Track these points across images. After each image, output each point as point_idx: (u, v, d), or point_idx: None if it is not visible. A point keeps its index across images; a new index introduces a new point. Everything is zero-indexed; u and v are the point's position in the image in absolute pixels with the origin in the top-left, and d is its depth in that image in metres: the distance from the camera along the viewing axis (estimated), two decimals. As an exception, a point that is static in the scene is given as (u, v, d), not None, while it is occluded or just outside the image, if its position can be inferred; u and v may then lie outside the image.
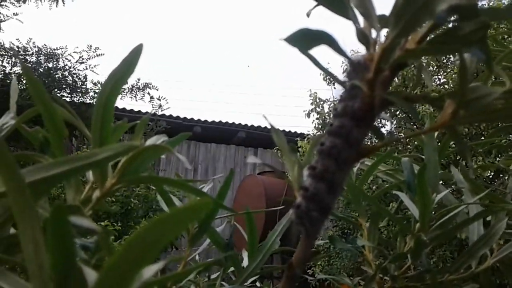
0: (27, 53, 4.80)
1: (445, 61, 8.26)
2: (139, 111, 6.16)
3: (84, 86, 4.98)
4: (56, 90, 4.93)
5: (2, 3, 4.63)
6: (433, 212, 0.61)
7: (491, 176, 6.64)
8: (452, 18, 0.31)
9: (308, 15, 0.42)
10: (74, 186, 0.37)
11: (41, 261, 0.23)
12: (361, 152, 0.32)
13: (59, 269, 0.24)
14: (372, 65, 0.30)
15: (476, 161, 7.39)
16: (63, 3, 5.05)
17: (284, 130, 7.67)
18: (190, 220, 0.18)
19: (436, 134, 0.71)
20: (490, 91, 0.30)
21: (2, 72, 4.84)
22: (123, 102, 5.38)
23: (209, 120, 7.54)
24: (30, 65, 4.69)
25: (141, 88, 5.22)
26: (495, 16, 0.32)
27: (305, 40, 0.28)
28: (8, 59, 4.82)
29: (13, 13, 4.87)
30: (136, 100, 5.22)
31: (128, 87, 5.17)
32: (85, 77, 5.04)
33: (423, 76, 0.38)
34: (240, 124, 7.72)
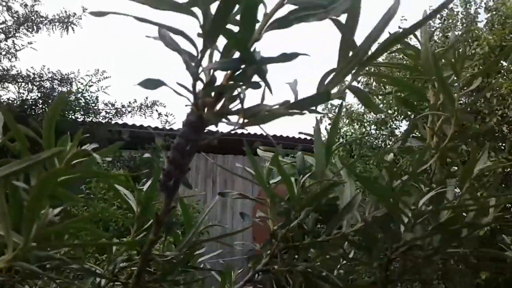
0: (42, 79, 5.15)
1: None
2: (156, 127, 6.45)
3: (96, 107, 5.31)
4: (71, 112, 5.26)
5: (16, 34, 5.01)
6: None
7: (505, 172, 6.75)
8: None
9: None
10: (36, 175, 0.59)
11: (3, 210, 0.46)
12: (198, 147, 0.54)
13: (14, 216, 0.47)
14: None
15: (489, 157, 7.34)
16: (73, 31, 5.41)
17: (298, 138, 7.84)
18: (52, 181, 0.40)
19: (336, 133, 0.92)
20: (262, 108, 0.52)
21: (20, 99, 5.20)
22: (134, 119, 5.70)
23: (224, 131, 7.66)
24: (45, 90, 5.05)
25: (149, 106, 5.54)
26: (270, 61, 0.53)
27: (150, 84, 0.51)
28: (25, 86, 5.18)
29: (28, 42, 5.24)
30: (145, 118, 5.55)
31: (137, 106, 5.50)
32: (97, 98, 5.38)
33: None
34: (255, 134, 7.79)
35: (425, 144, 0.96)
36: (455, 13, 8.52)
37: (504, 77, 7.61)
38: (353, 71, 0.57)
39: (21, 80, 5.15)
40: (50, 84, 5.19)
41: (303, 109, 0.54)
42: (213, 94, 0.54)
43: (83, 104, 5.24)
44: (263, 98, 0.61)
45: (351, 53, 0.56)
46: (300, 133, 0.91)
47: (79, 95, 5.29)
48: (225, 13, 0.44)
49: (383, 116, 7.31)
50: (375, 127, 7.88)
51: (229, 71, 0.53)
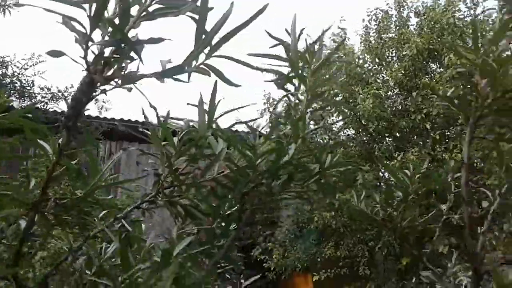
0: (-25, 61, 5.09)
1: (389, 59, 8.87)
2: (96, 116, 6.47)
3: (32, 91, 5.31)
4: (5, 95, 5.22)
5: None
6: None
7: (427, 167, 7.29)
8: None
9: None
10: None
11: None
12: (90, 97, 0.78)
13: None
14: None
15: (413, 151, 8.00)
16: (10, 13, 5.37)
17: (241, 131, 8.12)
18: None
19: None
20: (134, 74, 0.77)
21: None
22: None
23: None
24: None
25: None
26: (142, 43, 0.78)
27: (54, 54, 0.74)
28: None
29: (-39, 23, 5.14)
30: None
31: (73, 91, 5.51)
32: (33, 82, 5.39)
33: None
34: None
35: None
36: (389, 15, 9.08)
37: (432, 78, 8.27)
38: (207, 52, 0.84)
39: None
40: (-16, 66, 5.14)
41: (166, 77, 0.80)
42: (103, 63, 0.78)
43: (18, 87, 5.23)
44: (138, 68, 0.85)
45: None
46: (187, 104, 1.17)
47: (14, 78, 5.28)
48: (102, 8, 0.69)
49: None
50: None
51: (112, 48, 0.78)
